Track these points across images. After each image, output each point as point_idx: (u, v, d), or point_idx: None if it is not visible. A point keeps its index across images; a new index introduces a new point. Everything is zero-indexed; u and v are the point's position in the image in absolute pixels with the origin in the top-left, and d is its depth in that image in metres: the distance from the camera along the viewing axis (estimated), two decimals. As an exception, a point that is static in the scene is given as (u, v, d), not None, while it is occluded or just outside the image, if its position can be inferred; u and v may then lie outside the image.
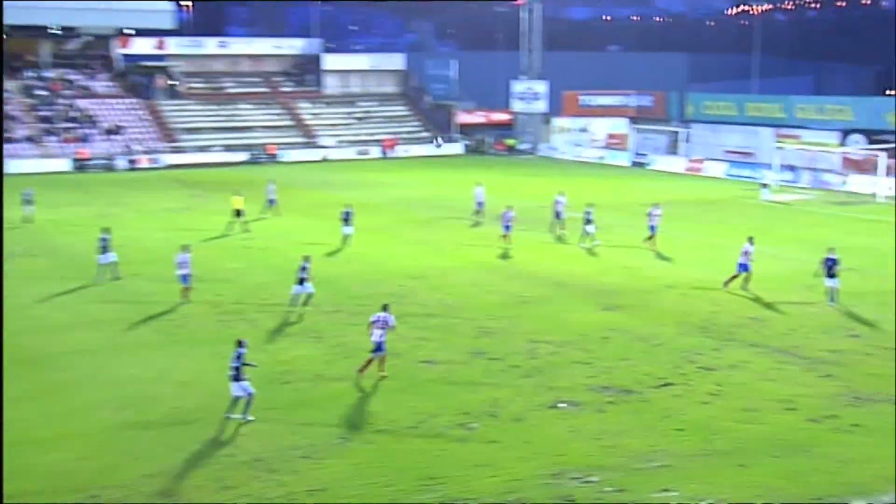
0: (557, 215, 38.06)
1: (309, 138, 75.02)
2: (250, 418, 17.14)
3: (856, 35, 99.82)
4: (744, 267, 27.46)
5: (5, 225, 33.22)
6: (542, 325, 23.84)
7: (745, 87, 78.53)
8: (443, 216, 43.05)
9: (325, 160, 71.57)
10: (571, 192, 41.45)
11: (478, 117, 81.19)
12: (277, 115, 76.86)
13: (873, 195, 49.85)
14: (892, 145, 54.18)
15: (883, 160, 50.13)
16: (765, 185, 51.11)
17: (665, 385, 19.31)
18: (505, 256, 32.93)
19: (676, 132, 71.66)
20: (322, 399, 18.49)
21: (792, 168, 58.16)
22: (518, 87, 79.64)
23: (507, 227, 34.53)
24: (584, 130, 77.62)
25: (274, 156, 70.41)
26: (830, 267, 25.65)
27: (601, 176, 62.60)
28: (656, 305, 26.06)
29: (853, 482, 14.66)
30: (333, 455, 15.89)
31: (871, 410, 17.65)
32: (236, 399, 17.24)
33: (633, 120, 75.63)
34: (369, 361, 19.51)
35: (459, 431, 16.93)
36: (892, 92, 70.36)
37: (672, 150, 71.74)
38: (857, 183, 53.16)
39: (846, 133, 59.44)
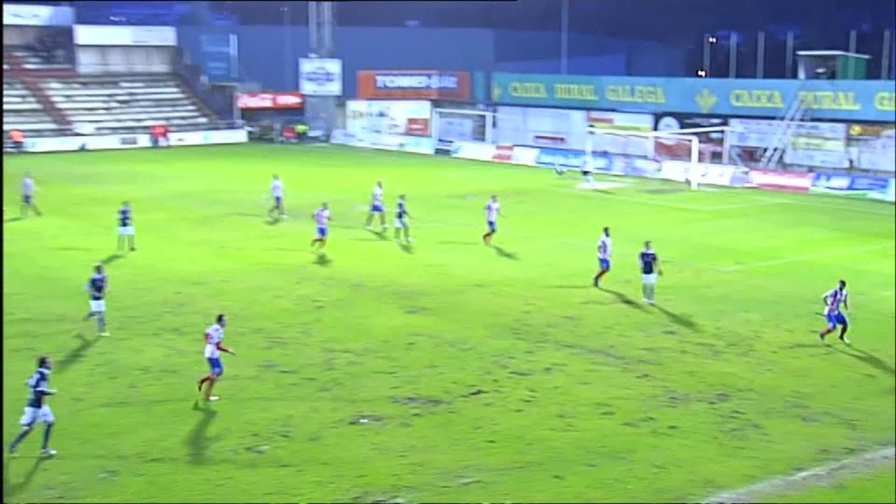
0: (376, 209, 38.17)
1: (62, 125, 71.44)
2: (53, 452, 16.56)
3: (667, 12, 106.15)
4: (605, 263, 28.84)
5: None
6: (339, 333, 23.82)
7: (554, 66, 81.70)
8: (225, 213, 42.16)
9: (83, 150, 68.44)
10: (369, 183, 41.66)
11: (263, 100, 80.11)
12: (21, 97, 72.61)
13: (688, 182, 53.29)
14: (705, 129, 58.18)
15: (696, 145, 53.62)
16: (586, 173, 53.30)
17: (475, 393, 19.77)
18: (322, 261, 32.57)
19: (483, 116, 73.61)
20: (82, 428, 17.66)
21: (605, 154, 61.17)
22: (307, 66, 79.17)
23: (322, 231, 33.56)
24: (382, 115, 78.26)
25: (20, 144, 66.55)
26: (648, 263, 27.09)
27: (402, 165, 63.31)
28: (465, 306, 26.64)
29: (670, 488, 15.57)
30: (97, 493, 15.21)
31: (687, 411, 18.83)
32: (28, 428, 16.46)
33: (436, 103, 77.05)
34: (205, 380, 19.21)
35: (248, 456, 16.64)
36: (704, 73, 75.27)
37: (479, 135, 73.66)
38: (671, 169, 56.63)
39: (658, 116, 63.22)
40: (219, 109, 78.75)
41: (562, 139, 68.43)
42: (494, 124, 72.55)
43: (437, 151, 71.07)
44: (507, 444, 17.24)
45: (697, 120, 60.17)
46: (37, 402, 16.60)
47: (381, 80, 79.01)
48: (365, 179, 54.02)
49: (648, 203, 47.35)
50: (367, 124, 78.38)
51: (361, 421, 18.14)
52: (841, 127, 54.33)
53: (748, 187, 52.65)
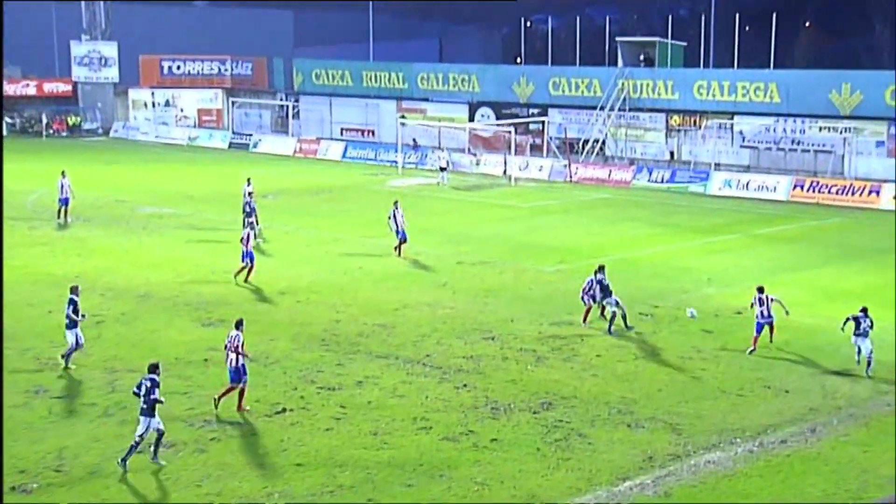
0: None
1: None
2: (163, 463, 17.11)
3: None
4: (400, 234, 31.20)
5: None
6: (123, 351, 23.12)
7: (361, 51, 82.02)
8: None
9: None
10: (154, 181, 40.63)
11: (25, 88, 76.74)
12: None
13: (507, 176, 54.58)
14: (523, 120, 59.75)
15: (514, 137, 55.02)
16: (442, 169, 53.45)
17: (280, 412, 19.58)
18: (103, 271, 31.38)
19: (284, 107, 73.09)
20: None
21: (417, 147, 61.84)
22: (79, 49, 76.41)
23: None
24: (169, 105, 76.54)
25: None
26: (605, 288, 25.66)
27: (193, 161, 62.07)
28: (267, 317, 26.34)
29: (494, 504, 15.91)
30: None
31: (509, 422, 19.26)
32: (140, 439, 17.05)
33: (230, 92, 76.00)
34: (229, 391, 19.69)
35: (12, 497, 15.89)
36: (520, 60, 77.28)
37: (280, 128, 73.18)
38: (489, 163, 57.86)
39: (474, 106, 64.46)
40: (-26, 98, 74.89)
41: (371, 131, 68.79)
42: (297, 115, 72.18)
43: (233, 145, 70.09)
44: (315, 467, 17.15)
45: (515, 110, 61.76)
46: (150, 411, 17.12)
47: (167, 65, 77.16)
48: (150, 177, 52.59)
49: (466, 199, 48.21)
50: (152, 115, 76.41)
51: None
52: (661, 117, 56.97)
53: (569, 181, 54.43)
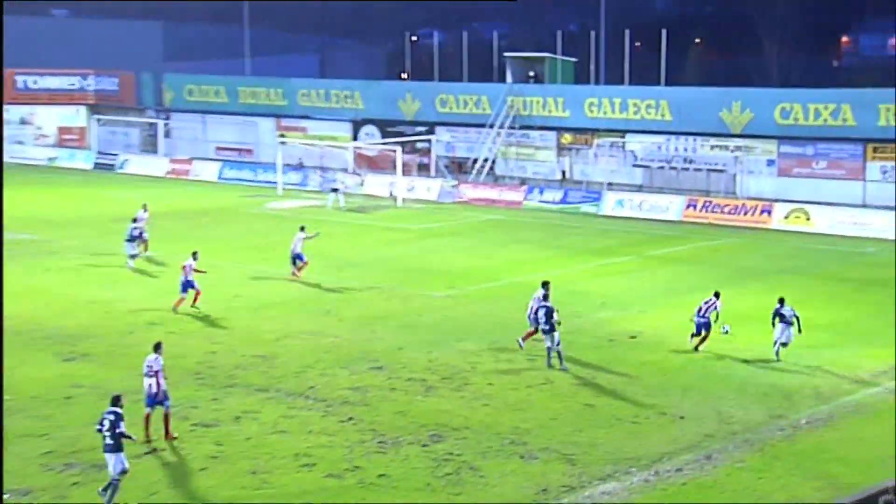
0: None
1: None
2: None
3: (363, 6, 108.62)
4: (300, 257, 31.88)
5: None
6: (-24, 391, 22.32)
7: (236, 67, 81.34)
8: None
9: None
10: (9, 205, 39.37)
11: None
12: None
13: (393, 198, 54.63)
14: (409, 138, 59.93)
15: (400, 156, 55.06)
16: (334, 190, 52.92)
17: (150, 452, 19.16)
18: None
19: (153, 125, 71.95)
20: None
21: (300, 167, 61.51)
22: (-72, 61, 73.99)
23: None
24: (25, 123, 74.63)
25: None
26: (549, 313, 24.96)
27: (53, 183, 60.66)
28: (136, 350, 25.66)
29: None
30: None
31: (398, 456, 19.19)
32: (120, 478, 16.85)
33: (94, 108, 74.56)
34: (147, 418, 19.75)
35: None
36: (406, 76, 77.63)
37: (149, 147, 71.97)
38: (375, 184, 57.84)
39: (358, 124, 64.43)
40: None
41: (249, 150, 68.18)
42: (167, 134, 71.15)
43: (98, 166, 68.73)
44: (190, 510, 16.81)
45: (401, 128, 61.95)
46: (117, 447, 16.96)
47: (22, 79, 75.18)
48: (4, 201, 51.03)
49: (351, 222, 48.10)
50: (7, 134, 74.29)
51: (4, 497, 17.03)
52: (552, 135, 57.77)
53: (459, 202, 54.76)
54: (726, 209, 48.82)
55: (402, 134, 60.90)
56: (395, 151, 55.90)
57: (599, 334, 27.91)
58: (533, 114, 58.48)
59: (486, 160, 58.68)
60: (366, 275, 35.55)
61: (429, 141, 60.48)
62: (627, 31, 58.52)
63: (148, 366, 20.05)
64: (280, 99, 68.31)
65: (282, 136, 63.65)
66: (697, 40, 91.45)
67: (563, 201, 53.08)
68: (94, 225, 44.75)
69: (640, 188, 54.12)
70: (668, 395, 22.95)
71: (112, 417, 17.09)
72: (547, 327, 24.84)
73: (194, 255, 30.36)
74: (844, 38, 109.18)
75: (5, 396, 18.63)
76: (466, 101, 60.95)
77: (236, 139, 68.90)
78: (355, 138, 63.37)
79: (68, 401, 21.88)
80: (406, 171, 56.98)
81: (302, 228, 35.46)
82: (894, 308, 30.16)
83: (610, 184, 54.20)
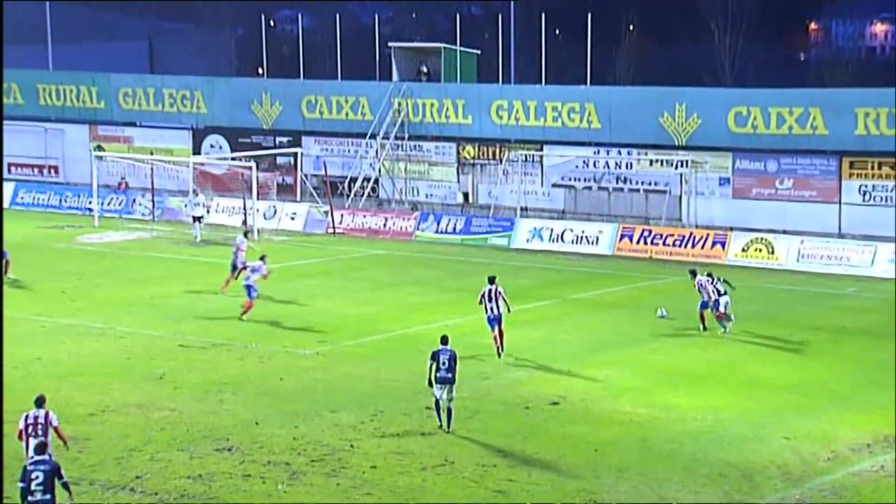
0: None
1: None
2: None
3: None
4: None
5: None
6: None
7: (35, 56, 78.89)
8: None
9: None
10: None
11: None
12: None
13: (249, 227, 54.07)
14: (266, 152, 59.59)
15: (255, 175, 54.39)
16: (198, 219, 51.98)
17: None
18: None
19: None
20: None
21: (122, 189, 60.74)
22: None
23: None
24: None
25: None
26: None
27: None
28: None
29: None
30: None
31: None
32: None
33: None
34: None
35: None
36: (263, 71, 77.20)
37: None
38: (223, 209, 57.33)
39: (200, 133, 63.81)
40: None
41: (53, 168, 67.01)
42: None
43: None
44: None
45: (256, 138, 61.68)
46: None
47: None
48: None
49: (191, 260, 47.65)
50: None
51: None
52: (450, 147, 58.05)
53: (332, 233, 54.61)
54: (669, 240, 49.50)
55: (257, 146, 60.58)
56: (248, 169, 55.47)
57: (512, 400, 27.99)
58: (426, 120, 58.64)
59: (367, 179, 58.65)
60: (210, 328, 35.20)
61: (293, 155, 60.20)
62: (542, 16, 59.02)
63: (28, 424, 21.01)
64: (95, 100, 67.12)
65: (98, 148, 62.85)
66: (630, 27, 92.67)
67: (465, 231, 53.33)
68: None
69: (561, 214, 54.62)
70: (600, 476, 23.09)
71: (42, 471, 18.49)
72: (449, 376, 25.30)
73: (262, 258, 36.87)
74: (813, 26, 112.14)
75: None
76: (341, 105, 60.80)
77: (36, 153, 67.52)
78: (196, 152, 62.79)
79: None
80: (263, 193, 56.64)
81: (245, 234, 38.87)
82: (877, 362, 30.92)
83: (524, 209, 54.62)
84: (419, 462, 23.87)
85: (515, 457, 24.21)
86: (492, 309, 31.15)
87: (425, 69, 61.02)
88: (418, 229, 54.32)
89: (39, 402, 21.41)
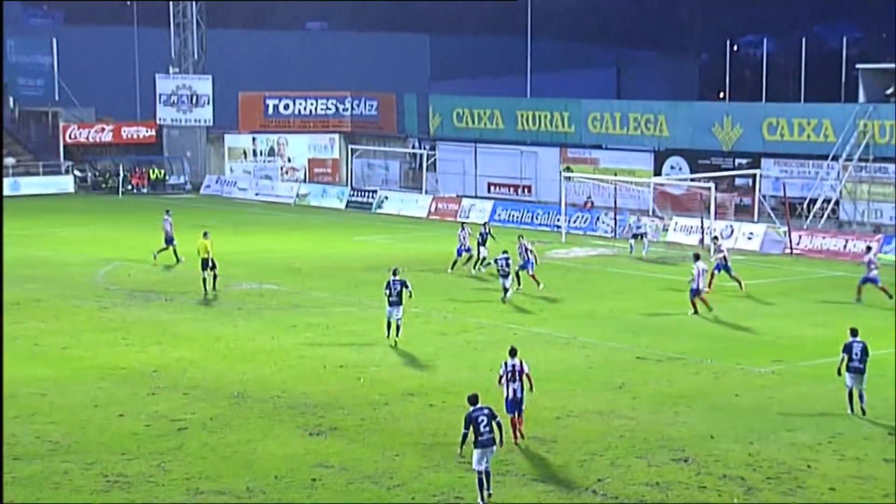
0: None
1: None
2: None
3: (670, 11, 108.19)
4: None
5: None
6: (210, 466, 23.53)
7: (515, 85, 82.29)
8: (44, 295, 41.79)
9: None
10: (252, 250, 41.44)
11: (99, 133, 79.55)
12: None
13: (707, 247, 53.87)
14: (725, 173, 59.18)
15: (714, 196, 54.27)
16: (637, 236, 53.18)
17: None
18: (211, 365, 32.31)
19: (416, 156, 74.03)
20: None
21: (587, 208, 61.86)
22: (166, 84, 79.16)
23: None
24: (273, 154, 78.21)
25: None
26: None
27: (301, 225, 63.46)
28: (390, 425, 26.54)
29: None
30: None
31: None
32: None
33: (350, 137, 77.39)
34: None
35: None
36: (724, 94, 76.71)
37: (411, 183, 73.88)
38: (681, 228, 57.38)
39: (661, 155, 64.16)
40: (34, 146, 78.13)
41: (527, 187, 69.07)
42: (432, 167, 72.97)
43: (351, 205, 71.30)
44: None
45: (716, 160, 61.38)
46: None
47: (273, 104, 79.16)
48: (247, 245, 53.92)
49: (649, 276, 47.88)
50: (253, 167, 78.29)
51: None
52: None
53: (789, 254, 53.49)
54: None
55: (717, 168, 60.23)
56: (707, 189, 55.32)
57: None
58: (893, 142, 56.61)
59: (826, 201, 57.24)
60: (665, 342, 35.26)
61: (752, 176, 59.53)
62: None
63: (505, 371, 24.94)
64: (566, 124, 68.94)
65: (567, 169, 64.24)
66: None
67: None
68: (344, 274, 46.45)
69: None
70: None
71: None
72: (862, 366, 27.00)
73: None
74: None
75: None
76: (802, 127, 59.76)
77: (512, 173, 69.93)
78: (658, 173, 63.15)
79: (313, 484, 22.63)
80: (721, 213, 56.25)
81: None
82: None
83: None
84: (882, 489, 23.01)
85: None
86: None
87: (893, 90, 58.94)
88: (881, 252, 52.32)
89: (513, 352, 25.20)
